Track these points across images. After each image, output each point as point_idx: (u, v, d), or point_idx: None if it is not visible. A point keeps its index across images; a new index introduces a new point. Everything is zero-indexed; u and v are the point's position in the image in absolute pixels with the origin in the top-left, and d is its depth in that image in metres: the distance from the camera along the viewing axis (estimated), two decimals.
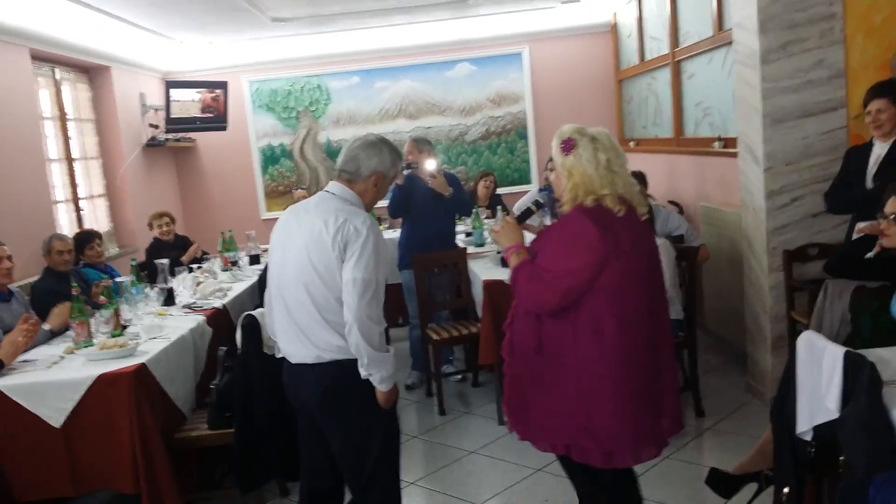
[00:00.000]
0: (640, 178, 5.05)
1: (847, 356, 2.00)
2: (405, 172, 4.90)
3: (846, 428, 1.96)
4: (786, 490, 2.32)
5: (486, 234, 5.50)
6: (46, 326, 3.78)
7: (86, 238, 5.06)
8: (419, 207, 4.95)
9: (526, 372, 2.36)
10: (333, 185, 2.60)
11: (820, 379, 2.10)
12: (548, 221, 4.38)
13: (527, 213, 2.57)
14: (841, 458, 2.07)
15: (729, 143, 4.91)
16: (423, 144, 4.99)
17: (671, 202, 5.92)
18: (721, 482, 2.81)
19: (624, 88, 7.71)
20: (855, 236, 3.38)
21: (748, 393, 4.39)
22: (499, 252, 4.47)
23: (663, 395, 2.31)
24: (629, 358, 2.22)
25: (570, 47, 7.95)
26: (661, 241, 3.98)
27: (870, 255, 3.19)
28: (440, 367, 4.78)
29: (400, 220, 5.24)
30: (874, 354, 2.27)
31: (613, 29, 7.74)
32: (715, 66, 5.22)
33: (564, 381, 2.25)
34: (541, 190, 5.56)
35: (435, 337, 4.66)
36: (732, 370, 4.77)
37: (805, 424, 2.19)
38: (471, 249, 5.25)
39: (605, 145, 2.27)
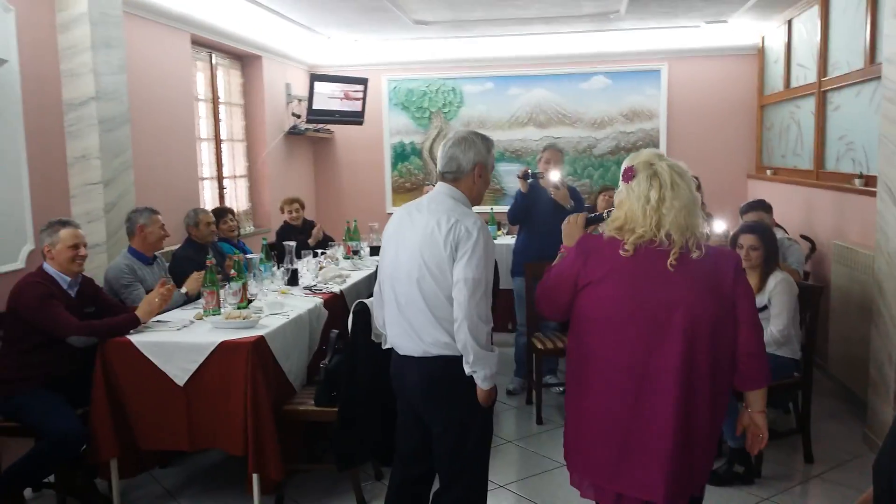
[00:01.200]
0: (767, 207, 4.89)
1: None
2: (529, 181, 4.97)
3: None
4: None
5: None
6: (183, 290, 4.10)
7: (220, 213, 5.47)
8: (538, 217, 5.00)
9: None
10: (441, 186, 2.70)
11: None
12: None
13: (597, 219, 2.51)
14: None
15: (870, 181, 4.66)
16: (560, 152, 5.08)
17: (804, 237, 5.67)
18: None
19: (766, 114, 7.43)
20: None
21: (865, 444, 4.16)
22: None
23: (635, 450, 2.15)
24: (589, 392, 2.22)
25: (711, 68, 7.75)
26: (782, 275, 3.86)
27: None
28: (542, 377, 4.81)
29: (517, 226, 5.31)
30: None
31: (760, 52, 7.48)
32: (863, 100, 4.96)
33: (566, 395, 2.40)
34: None
35: (539, 346, 4.70)
36: (851, 419, 4.53)
37: None
38: None
39: (664, 181, 2.15)
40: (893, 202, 3.89)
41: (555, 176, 4.94)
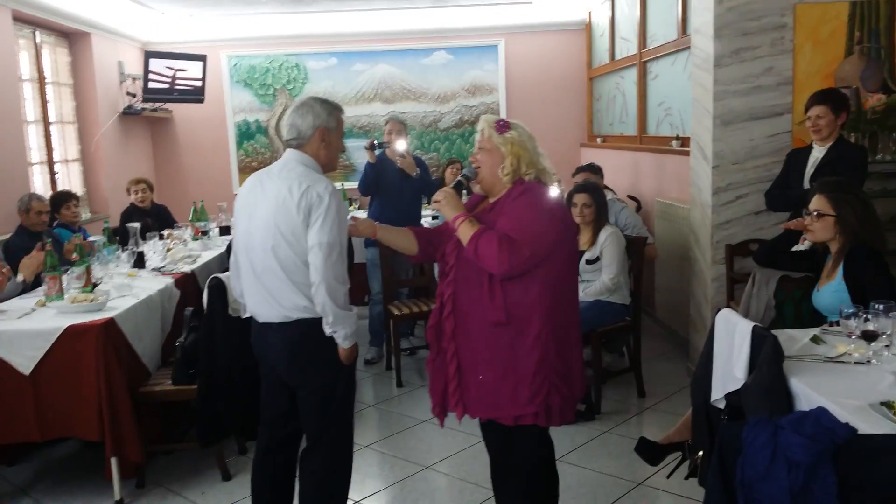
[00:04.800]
0: (596, 169, 5.29)
1: (754, 330, 2.22)
2: (376, 152, 5.10)
3: (749, 394, 2.19)
4: (700, 453, 2.55)
5: None
6: (19, 278, 3.91)
7: (63, 198, 5.18)
8: (388, 187, 5.14)
9: (482, 348, 2.40)
10: (290, 153, 2.72)
11: (732, 351, 2.32)
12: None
13: (459, 185, 2.62)
14: None
15: (685, 142, 5.15)
16: (402, 124, 5.22)
17: (631, 197, 6.16)
18: (649, 450, 3.01)
19: (595, 86, 7.93)
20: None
21: (689, 378, 4.62)
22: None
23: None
24: (577, 322, 2.51)
25: (544, 43, 8.16)
26: (611, 229, 4.21)
27: (802, 247, 3.43)
28: (399, 341, 4.97)
29: (368, 198, 5.43)
30: (785, 333, 2.51)
31: (587, 27, 7.96)
32: (677, 69, 5.45)
33: (538, 345, 2.33)
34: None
35: (396, 312, 4.85)
36: (677, 357, 5.03)
37: (718, 393, 2.42)
38: None
39: (531, 135, 2.50)
40: (704, 158, 4.34)
41: (401, 145, 5.10)
